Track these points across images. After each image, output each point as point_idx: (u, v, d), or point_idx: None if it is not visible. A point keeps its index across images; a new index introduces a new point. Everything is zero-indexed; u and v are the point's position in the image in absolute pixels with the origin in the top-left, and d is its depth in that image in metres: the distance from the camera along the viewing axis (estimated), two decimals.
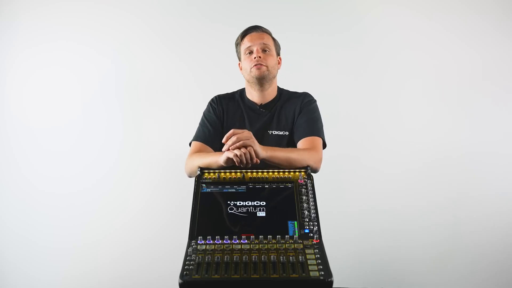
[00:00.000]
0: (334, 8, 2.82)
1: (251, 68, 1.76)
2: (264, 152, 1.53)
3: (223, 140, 1.50)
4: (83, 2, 2.78)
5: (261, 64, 1.75)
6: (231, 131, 1.49)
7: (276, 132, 1.78)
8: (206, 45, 2.78)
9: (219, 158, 1.54)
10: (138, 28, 2.78)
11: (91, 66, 2.78)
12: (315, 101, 1.86)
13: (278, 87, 1.89)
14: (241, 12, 2.78)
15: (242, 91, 1.91)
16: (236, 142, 1.46)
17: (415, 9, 2.81)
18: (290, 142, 1.78)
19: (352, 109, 2.79)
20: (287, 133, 1.79)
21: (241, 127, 1.76)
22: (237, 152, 1.46)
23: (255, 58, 1.76)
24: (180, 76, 2.79)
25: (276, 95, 1.86)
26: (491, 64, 2.80)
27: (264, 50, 1.78)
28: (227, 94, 1.91)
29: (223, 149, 1.50)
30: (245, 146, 1.47)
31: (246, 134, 1.49)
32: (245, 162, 1.47)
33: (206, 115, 1.85)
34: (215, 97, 1.89)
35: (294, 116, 1.80)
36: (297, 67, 2.69)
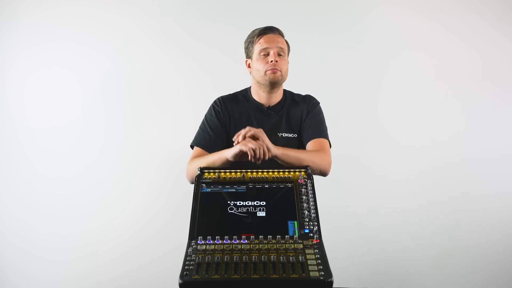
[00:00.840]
0: (334, 8, 2.82)
1: (266, 71, 1.72)
2: (275, 149, 1.54)
3: (234, 138, 1.52)
4: (83, 2, 2.78)
5: (277, 69, 1.72)
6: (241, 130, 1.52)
7: (286, 134, 1.78)
8: (206, 45, 2.78)
9: (226, 153, 1.54)
10: (138, 28, 2.78)
11: (91, 66, 2.78)
12: (319, 103, 1.87)
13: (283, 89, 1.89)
14: (241, 12, 2.78)
15: (245, 92, 1.88)
16: (248, 132, 1.49)
17: (415, 9, 2.82)
18: (299, 144, 1.79)
19: (352, 109, 2.79)
20: (296, 135, 1.80)
21: None
22: (251, 145, 1.46)
23: (271, 61, 1.72)
24: (180, 76, 2.79)
25: (283, 97, 1.85)
26: (491, 64, 2.80)
27: (279, 54, 1.74)
28: (229, 95, 1.87)
29: (234, 138, 1.51)
30: (257, 138, 1.49)
31: (258, 130, 1.52)
32: (258, 156, 1.47)
33: (208, 119, 1.81)
34: (218, 100, 1.84)
35: (302, 118, 1.81)
36: (297, 67, 2.68)
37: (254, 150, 1.46)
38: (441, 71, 2.80)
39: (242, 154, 1.49)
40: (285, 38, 1.82)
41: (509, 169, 2.79)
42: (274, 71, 1.72)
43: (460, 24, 2.82)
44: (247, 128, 1.51)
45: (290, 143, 1.74)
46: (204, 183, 1.44)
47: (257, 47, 1.75)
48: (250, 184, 1.43)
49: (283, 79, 1.77)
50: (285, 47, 1.78)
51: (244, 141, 1.50)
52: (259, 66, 1.74)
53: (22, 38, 2.77)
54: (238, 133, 1.52)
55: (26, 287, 2.72)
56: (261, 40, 1.75)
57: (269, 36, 1.75)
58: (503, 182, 2.79)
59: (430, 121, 2.79)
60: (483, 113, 2.80)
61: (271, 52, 1.73)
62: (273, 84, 1.76)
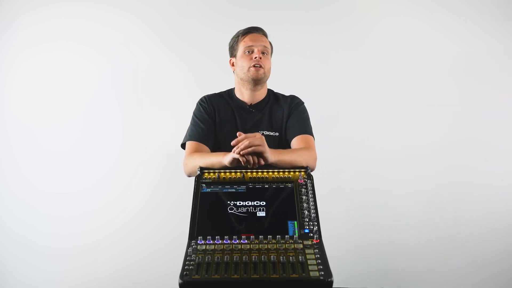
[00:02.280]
0: (334, 8, 2.83)
1: (249, 68, 1.77)
2: (272, 156, 1.53)
3: (233, 143, 1.48)
4: (83, 2, 2.78)
5: (260, 66, 1.77)
6: (243, 135, 1.47)
7: (268, 133, 1.79)
8: (206, 45, 2.78)
9: (223, 159, 1.54)
10: (138, 28, 2.78)
11: (91, 66, 2.78)
12: (303, 102, 1.89)
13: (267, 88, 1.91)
14: (241, 12, 2.78)
15: (229, 91, 1.92)
16: (248, 147, 1.45)
17: (415, 9, 2.82)
18: (280, 143, 1.80)
19: (352, 109, 2.79)
20: (277, 134, 1.81)
21: (232, 125, 1.80)
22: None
23: (255, 58, 1.76)
24: (180, 76, 2.79)
25: (266, 96, 1.88)
26: (491, 64, 2.80)
27: (263, 53, 1.79)
28: (214, 94, 1.92)
29: (233, 150, 1.48)
30: (257, 152, 1.47)
31: (259, 140, 1.47)
32: (252, 163, 1.47)
33: (197, 114, 1.85)
34: (204, 97, 1.89)
35: (283, 118, 1.83)
36: (297, 67, 2.69)
37: (247, 158, 1.46)
38: (441, 71, 2.80)
39: (238, 161, 1.49)
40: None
41: (509, 169, 2.79)
42: (257, 68, 1.76)
43: (460, 24, 2.82)
44: (247, 142, 1.45)
45: (271, 142, 1.73)
46: (204, 183, 1.44)
47: (242, 45, 1.81)
48: (250, 184, 1.43)
49: (265, 76, 1.81)
50: (269, 47, 1.84)
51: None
52: (243, 63, 1.79)
53: (22, 38, 2.77)
54: (237, 145, 1.47)
55: (26, 287, 2.73)
56: (246, 39, 1.81)
57: (254, 35, 1.82)
58: (503, 182, 2.79)
59: (430, 121, 2.79)
60: (483, 113, 2.80)
61: (255, 50, 1.78)
62: (256, 81, 1.79)
